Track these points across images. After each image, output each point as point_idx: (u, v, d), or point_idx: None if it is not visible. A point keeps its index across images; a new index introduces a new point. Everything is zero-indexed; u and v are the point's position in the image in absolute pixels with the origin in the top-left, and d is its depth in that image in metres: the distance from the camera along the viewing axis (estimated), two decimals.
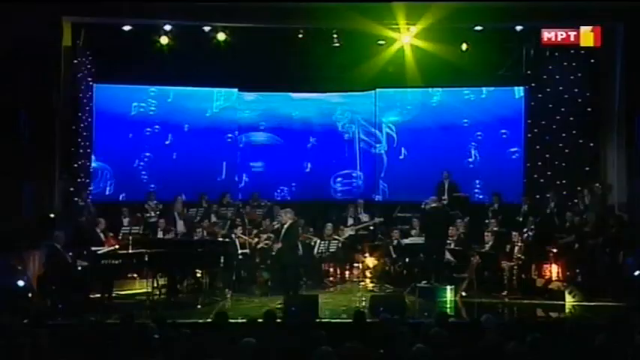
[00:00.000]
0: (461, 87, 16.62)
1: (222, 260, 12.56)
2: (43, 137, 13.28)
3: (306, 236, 14.08)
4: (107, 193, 15.91)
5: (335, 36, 15.29)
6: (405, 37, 15.18)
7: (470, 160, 16.55)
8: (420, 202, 13.29)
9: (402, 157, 16.85)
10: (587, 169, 15.30)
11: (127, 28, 14.62)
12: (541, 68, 15.85)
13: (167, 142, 16.48)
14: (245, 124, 17.07)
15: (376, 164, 17.01)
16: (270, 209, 15.14)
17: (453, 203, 14.79)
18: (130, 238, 11.91)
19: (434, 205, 12.92)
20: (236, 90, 16.82)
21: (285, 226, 11.95)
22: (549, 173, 15.61)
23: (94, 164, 15.51)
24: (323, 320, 10.12)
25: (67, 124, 14.49)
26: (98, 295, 11.39)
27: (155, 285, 11.97)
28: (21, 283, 10.98)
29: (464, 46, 15.28)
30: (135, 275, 13.03)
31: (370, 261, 14.27)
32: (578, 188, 14.75)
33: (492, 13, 14.40)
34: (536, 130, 15.88)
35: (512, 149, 16.33)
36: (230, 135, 16.91)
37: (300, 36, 15.26)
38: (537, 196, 15.19)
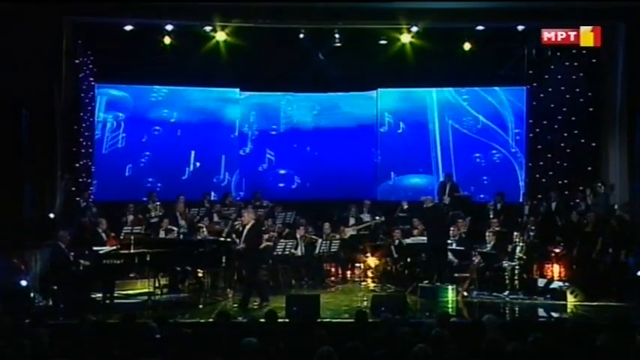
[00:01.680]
0: (462, 87, 16.64)
1: (223, 260, 12.54)
2: (44, 137, 13.28)
3: (308, 236, 14.08)
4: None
5: (337, 36, 15.30)
6: (406, 37, 15.17)
7: (471, 159, 16.56)
8: (421, 202, 13.39)
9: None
10: (588, 168, 15.32)
11: (128, 28, 14.62)
12: (542, 68, 15.87)
13: (168, 142, 16.51)
14: (246, 124, 17.09)
15: (377, 164, 17.02)
16: (272, 209, 15.16)
17: (454, 203, 14.81)
18: (132, 237, 11.89)
19: (430, 204, 13.02)
20: (237, 89, 16.84)
21: (247, 226, 11.71)
22: (551, 173, 15.63)
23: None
24: (324, 320, 10.10)
25: (69, 124, 14.51)
26: (100, 295, 11.37)
27: (157, 285, 11.94)
28: (23, 282, 10.99)
29: (465, 46, 15.30)
30: (136, 275, 13.01)
31: (372, 261, 14.26)
32: (580, 188, 14.74)
33: (493, 13, 14.39)
34: (537, 130, 15.91)
35: (514, 149, 16.35)
36: (232, 135, 16.94)
37: (302, 36, 15.27)
38: (539, 196, 15.20)
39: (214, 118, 16.83)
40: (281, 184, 17.14)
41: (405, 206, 15.24)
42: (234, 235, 12.90)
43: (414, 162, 16.81)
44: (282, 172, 17.19)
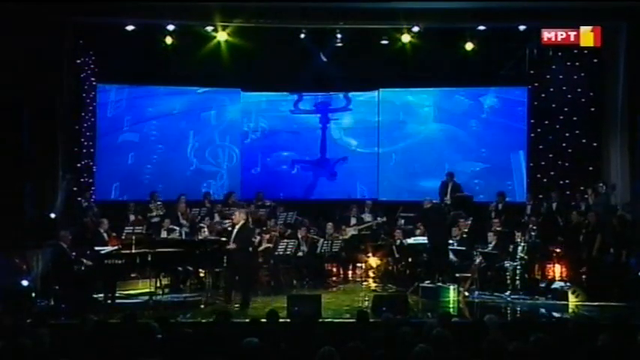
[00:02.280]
0: (463, 87, 16.63)
1: (225, 260, 12.53)
2: (45, 137, 13.28)
3: (310, 237, 14.08)
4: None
5: (338, 36, 15.30)
6: (407, 37, 15.16)
7: (472, 160, 16.55)
8: (422, 203, 13.43)
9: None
10: (590, 168, 15.32)
11: (129, 28, 14.60)
12: (544, 68, 15.88)
13: (170, 142, 16.52)
14: (248, 124, 17.10)
15: (379, 164, 17.01)
16: (274, 209, 15.16)
17: (455, 203, 14.81)
18: (133, 237, 11.89)
19: (429, 205, 13.10)
20: (239, 90, 16.84)
21: (237, 226, 11.70)
22: (552, 173, 15.63)
23: None
24: (326, 320, 10.11)
25: (70, 124, 14.51)
26: (101, 295, 11.35)
27: (158, 285, 11.95)
28: (24, 282, 10.99)
29: (467, 46, 15.29)
30: (138, 275, 13.00)
31: (373, 261, 14.29)
32: (582, 188, 14.73)
33: (493, 13, 14.37)
34: (539, 130, 15.91)
35: (515, 149, 16.34)
36: (234, 134, 16.95)
37: (303, 36, 15.26)
38: (540, 196, 15.19)
39: (216, 119, 16.85)
40: (283, 184, 17.09)
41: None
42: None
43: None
44: (284, 171, 17.17)
